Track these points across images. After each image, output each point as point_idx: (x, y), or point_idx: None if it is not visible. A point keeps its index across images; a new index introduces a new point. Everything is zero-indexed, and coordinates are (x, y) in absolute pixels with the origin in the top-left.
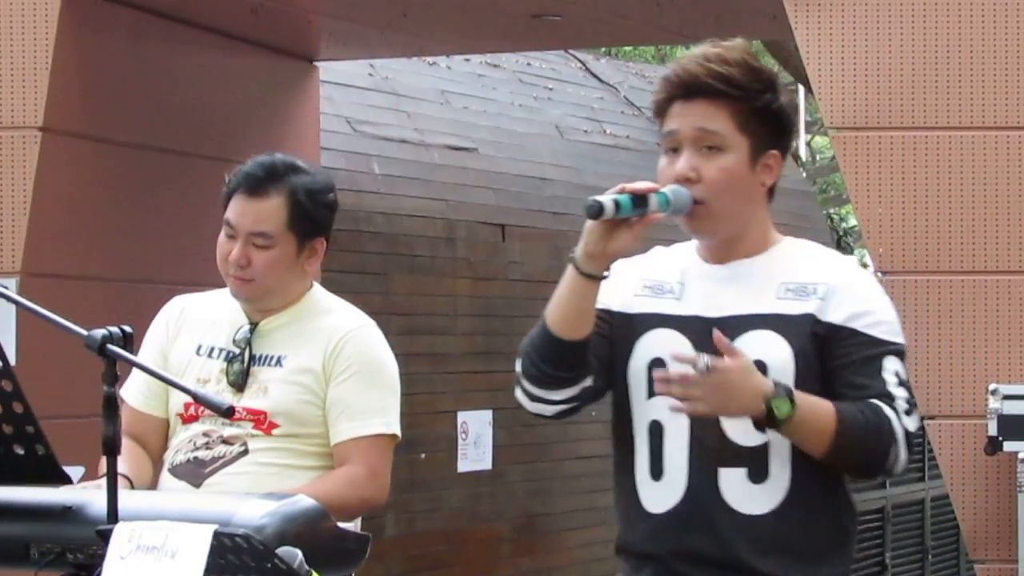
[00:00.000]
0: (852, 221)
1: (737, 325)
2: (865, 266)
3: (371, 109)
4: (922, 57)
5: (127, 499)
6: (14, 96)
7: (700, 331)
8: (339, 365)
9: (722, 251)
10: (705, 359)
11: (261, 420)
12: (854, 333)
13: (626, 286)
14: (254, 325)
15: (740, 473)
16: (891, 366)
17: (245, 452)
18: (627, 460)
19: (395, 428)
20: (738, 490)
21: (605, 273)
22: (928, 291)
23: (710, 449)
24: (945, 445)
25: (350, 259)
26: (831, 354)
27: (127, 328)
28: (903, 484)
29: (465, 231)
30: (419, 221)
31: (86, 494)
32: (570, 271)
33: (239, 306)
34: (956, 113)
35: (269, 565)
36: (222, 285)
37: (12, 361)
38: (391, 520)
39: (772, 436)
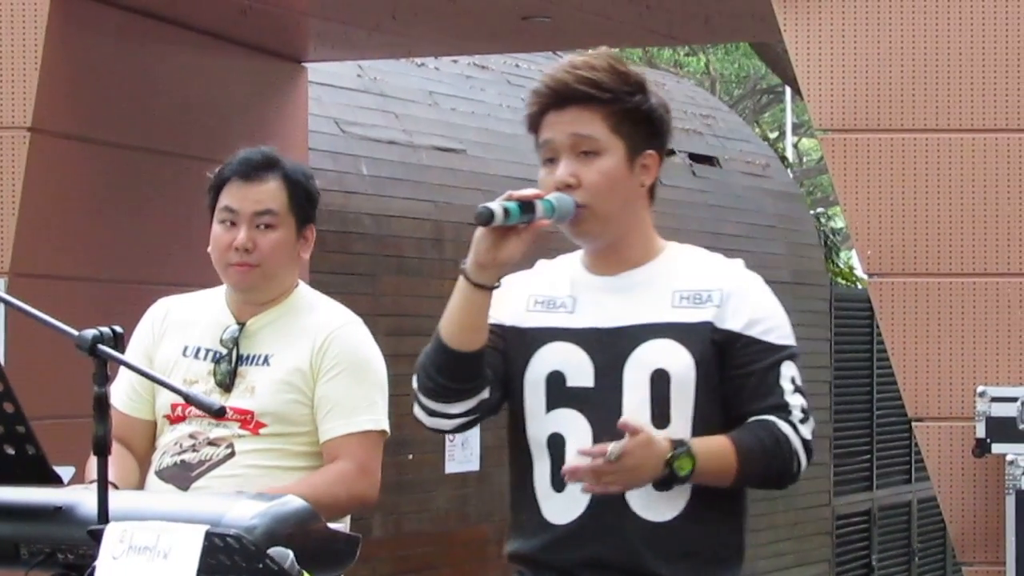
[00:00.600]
0: (840, 223)
1: (635, 335)
2: (852, 269)
3: (359, 110)
4: (910, 59)
5: (117, 499)
6: (3, 97)
7: (596, 342)
8: (326, 363)
9: (609, 261)
10: (614, 448)
11: (248, 420)
12: (752, 341)
13: (516, 302)
14: (241, 325)
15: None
16: (787, 372)
17: (232, 454)
18: (526, 472)
19: (384, 424)
20: (643, 497)
21: (496, 283)
22: (916, 293)
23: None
24: (933, 447)
25: (338, 260)
26: (730, 362)
27: (117, 328)
28: (890, 487)
29: (453, 232)
30: (407, 222)
31: (77, 494)
32: (461, 282)
33: (225, 306)
34: (945, 115)
35: (260, 565)
36: (210, 285)
37: (1, 361)
38: (378, 521)
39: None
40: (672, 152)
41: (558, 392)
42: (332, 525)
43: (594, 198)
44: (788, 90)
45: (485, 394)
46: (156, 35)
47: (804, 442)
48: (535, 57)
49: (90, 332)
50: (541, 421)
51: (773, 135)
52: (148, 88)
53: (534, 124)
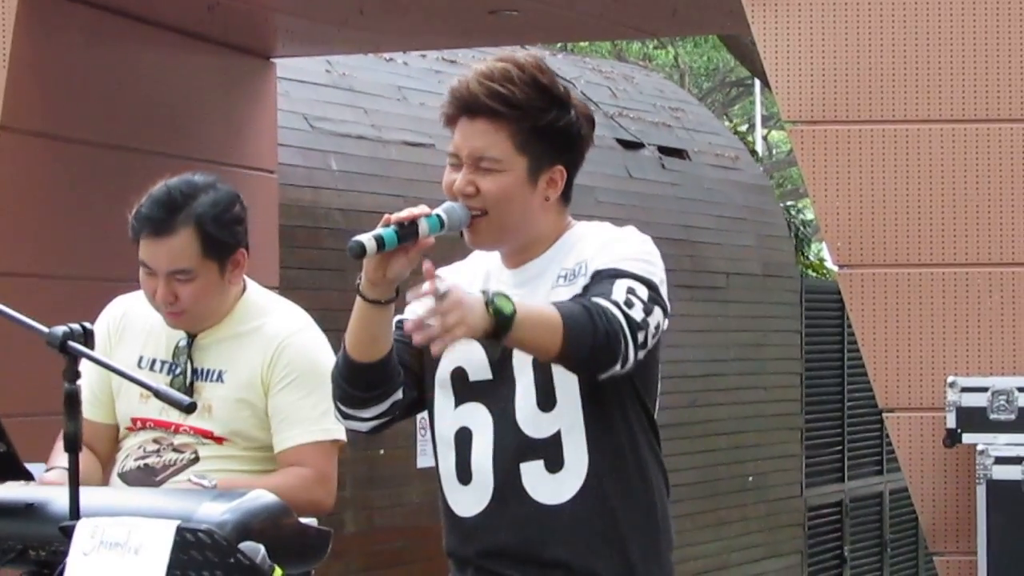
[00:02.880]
0: (809, 215)
1: None
2: (822, 261)
3: (328, 105)
4: (879, 50)
5: (89, 496)
6: None
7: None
8: (276, 375)
9: (514, 254)
10: (441, 284)
11: (208, 435)
12: (596, 272)
13: None
14: (192, 337)
15: (538, 465)
16: (624, 284)
17: (196, 460)
18: (438, 468)
19: (336, 434)
20: (538, 482)
21: (390, 297)
22: (886, 284)
23: (510, 447)
24: (904, 438)
25: (308, 256)
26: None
27: (87, 325)
28: (861, 478)
29: None
30: (377, 217)
31: (48, 491)
32: (358, 299)
33: None
34: (913, 106)
35: (232, 560)
36: None
37: None
38: (350, 517)
39: (563, 424)
40: (641, 145)
41: (463, 388)
42: (304, 520)
43: (491, 206)
44: (757, 83)
45: (397, 395)
46: (124, 32)
47: (628, 318)
48: (504, 51)
49: (60, 329)
50: (450, 417)
51: (743, 128)
52: (117, 85)
53: (450, 122)
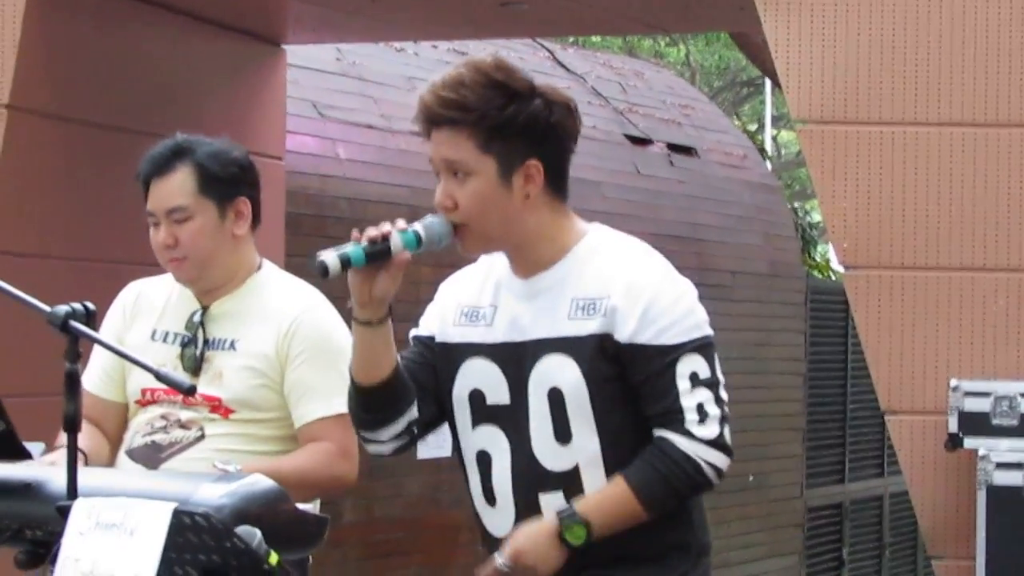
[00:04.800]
0: (817, 217)
1: (536, 350)
2: (828, 262)
3: (337, 94)
4: (889, 52)
5: (87, 476)
6: None
7: (507, 357)
8: (294, 349)
9: (521, 263)
10: (499, 559)
11: (217, 406)
12: (642, 348)
13: (446, 313)
14: (205, 308)
15: (558, 497)
16: (684, 370)
17: (202, 437)
18: (466, 485)
19: None
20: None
21: (381, 317)
22: (891, 286)
23: (528, 478)
24: (905, 441)
25: (314, 244)
26: (630, 372)
27: (90, 305)
28: (861, 480)
29: None
30: (384, 207)
31: (46, 471)
32: (353, 322)
33: (190, 291)
34: (923, 109)
35: (228, 544)
36: None
37: None
38: (349, 506)
39: (581, 458)
40: (649, 141)
41: (480, 409)
42: (301, 506)
43: (469, 217)
44: (768, 83)
45: (412, 414)
46: (134, 15)
47: (709, 442)
48: (514, 44)
49: (62, 308)
50: (470, 437)
51: (752, 127)
52: (126, 68)
53: (427, 136)
